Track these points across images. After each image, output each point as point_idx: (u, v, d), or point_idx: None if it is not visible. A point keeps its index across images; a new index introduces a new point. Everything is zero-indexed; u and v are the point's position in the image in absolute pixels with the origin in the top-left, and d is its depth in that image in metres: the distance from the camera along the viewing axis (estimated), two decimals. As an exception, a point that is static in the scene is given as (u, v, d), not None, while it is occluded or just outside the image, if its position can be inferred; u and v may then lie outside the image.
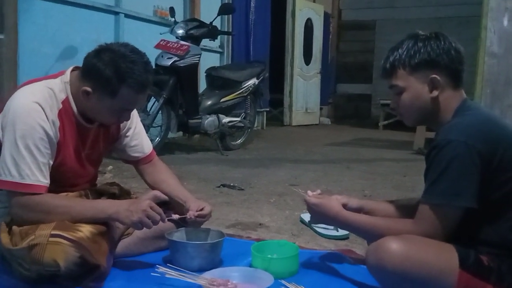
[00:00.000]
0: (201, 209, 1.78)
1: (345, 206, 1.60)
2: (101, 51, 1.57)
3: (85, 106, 1.61)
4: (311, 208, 1.59)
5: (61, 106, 1.59)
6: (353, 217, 1.53)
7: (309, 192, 1.63)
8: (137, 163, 1.93)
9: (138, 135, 1.90)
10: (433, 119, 1.46)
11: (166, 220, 1.64)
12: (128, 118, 1.72)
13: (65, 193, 1.69)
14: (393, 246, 1.33)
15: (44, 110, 1.53)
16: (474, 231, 1.38)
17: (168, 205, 1.79)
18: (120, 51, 1.56)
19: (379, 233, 1.42)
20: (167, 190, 1.83)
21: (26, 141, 1.49)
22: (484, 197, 1.33)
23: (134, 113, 1.87)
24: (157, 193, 1.71)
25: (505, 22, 4.32)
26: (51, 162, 1.57)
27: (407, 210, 1.59)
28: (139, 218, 1.53)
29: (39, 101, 1.53)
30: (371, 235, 1.48)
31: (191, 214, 1.75)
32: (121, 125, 1.83)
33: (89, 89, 1.56)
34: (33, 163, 1.50)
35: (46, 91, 1.57)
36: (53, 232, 1.44)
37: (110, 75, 1.53)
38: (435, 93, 1.42)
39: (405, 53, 1.43)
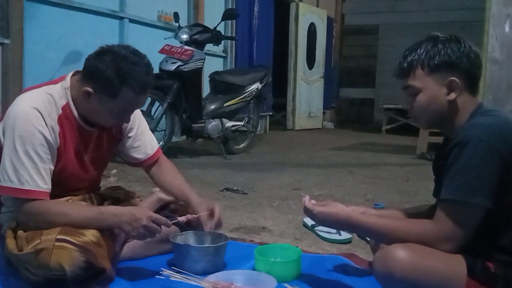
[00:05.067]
0: (211, 212, 1.79)
1: None
2: (102, 53, 1.58)
3: (86, 108, 1.61)
4: (315, 216, 1.50)
5: (61, 112, 1.59)
6: (365, 219, 1.43)
7: (307, 198, 1.54)
8: (142, 165, 1.92)
9: (141, 136, 1.88)
10: (447, 122, 1.42)
11: (171, 225, 1.65)
12: (128, 120, 1.72)
13: (69, 197, 1.69)
14: (401, 254, 1.29)
15: (42, 116, 1.53)
16: (484, 236, 1.33)
17: (174, 205, 1.83)
18: (121, 52, 1.58)
19: (396, 236, 1.34)
20: (174, 194, 1.86)
21: (25, 147, 1.50)
22: (499, 200, 1.28)
23: (137, 113, 1.85)
24: (160, 195, 1.76)
25: (507, 29, 4.33)
26: (52, 167, 1.57)
27: (416, 218, 1.52)
28: (139, 234, 1.56)
29: (38, 107, 1.53)
30: (387, 238, 1.39)
31: (188, 217, 1.75)
32: (123, 125, 1.82)
33: (90, 90, 1.56)
34: (32, 168, 1.50)
35: (46, 97, 1.58)
36: (59, 236, 1.45)
37: (111, 76, 1.53)
38: (453, 95, 1.37)
39: (424, 53, 1.39)
